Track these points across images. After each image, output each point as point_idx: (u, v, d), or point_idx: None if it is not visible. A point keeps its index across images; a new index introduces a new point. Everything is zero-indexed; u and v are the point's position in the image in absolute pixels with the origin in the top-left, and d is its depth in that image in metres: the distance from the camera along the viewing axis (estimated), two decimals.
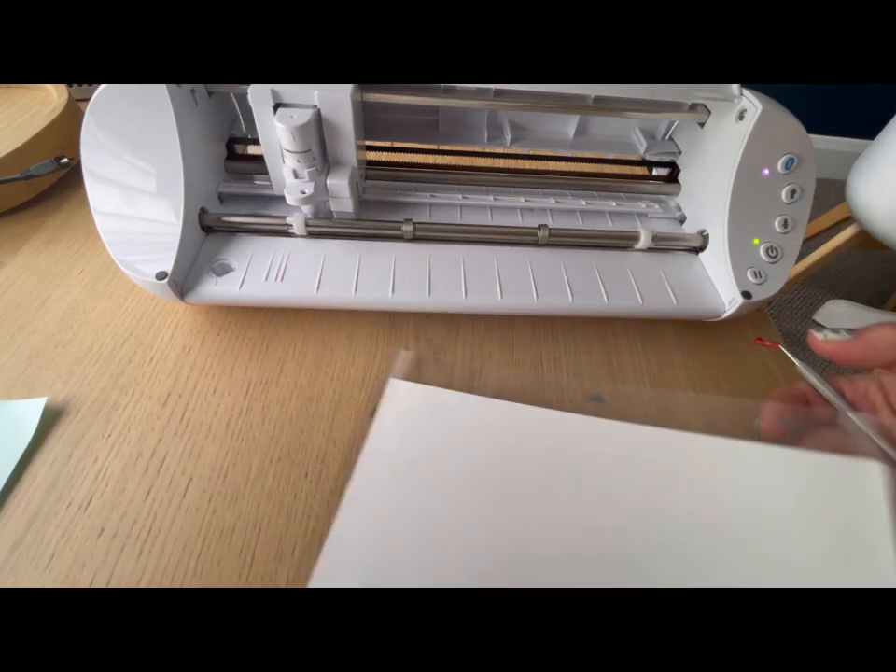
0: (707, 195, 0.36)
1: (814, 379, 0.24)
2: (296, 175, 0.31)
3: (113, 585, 0.23)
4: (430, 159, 0.40)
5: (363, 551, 0.14)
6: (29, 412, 0.28)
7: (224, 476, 0.26)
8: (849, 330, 0.23)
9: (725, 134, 0.34)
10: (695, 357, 0.35)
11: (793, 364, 0.26)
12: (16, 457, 0.26)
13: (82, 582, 0.22)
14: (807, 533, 0.14)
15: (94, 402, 0.29)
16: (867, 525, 0.14)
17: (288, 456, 0.27)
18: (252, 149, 0.40)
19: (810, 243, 1.07)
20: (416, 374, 0.20)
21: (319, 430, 0.29)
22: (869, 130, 1.04)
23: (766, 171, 0.32)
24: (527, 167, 0.41)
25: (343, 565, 0.14)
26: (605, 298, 0.33)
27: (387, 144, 0.40)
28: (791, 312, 1.23)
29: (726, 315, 0.33)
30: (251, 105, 0.30)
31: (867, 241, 0.95)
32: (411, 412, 0.17)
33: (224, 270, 0.32)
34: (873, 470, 0.16)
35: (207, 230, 0.33)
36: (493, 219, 0.37)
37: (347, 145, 0.32)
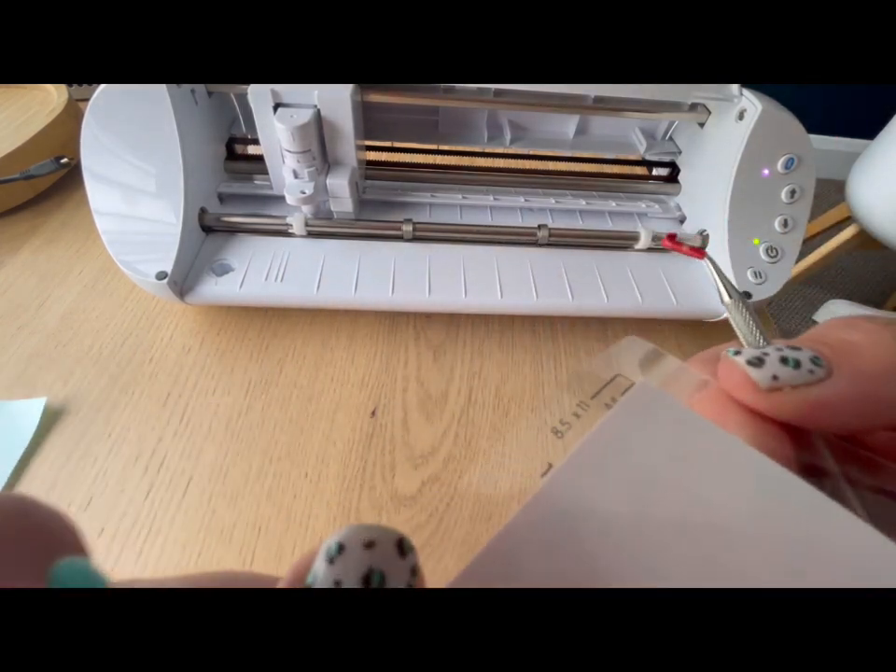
0: (706, 195, 0.36)
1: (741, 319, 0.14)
2: (296, 175, 0.31)
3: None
4: (430, 159, 0.40)
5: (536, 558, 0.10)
6: (29, 412, 0.28)
7: (224, 476, 0.26)
8: (791, 348, 0.11)
9: (725, 134, 0.34)
10: None
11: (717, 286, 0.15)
12: (16, 457, 0.26)
13: None
14: None
15: (94, 402, 0.29)
16: None
17: (288, 456, 0.27)
18: (252, 149, 0.40)
19: (810, 243, 1.07)
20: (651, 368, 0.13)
21: (319, 430, 0.29)
22: (869, 130, 1.04)
23: (766, 171, 0.32)
24: (527, 167, 0.41)
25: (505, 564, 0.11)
26: (605, 298, 0.33)
27: (387, 144, 0.40)
28: (790, 312, 1.23)
29: (726, 315, 0.33)
30: (251, 105, 0.30)
31: (867, 241, 0.95)
32: (663, 434, 0.11)
33: (224, 270, 0.32)
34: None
35: (207, 230, 0.33)
36: (493, 219, 0.37)
37: (347, 145, 0.32)
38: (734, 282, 0.32)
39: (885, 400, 0.10)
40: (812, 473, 0.11)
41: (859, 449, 0.12)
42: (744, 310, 0.14)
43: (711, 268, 0.15)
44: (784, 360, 0.10)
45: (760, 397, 0.10)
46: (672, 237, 0.19)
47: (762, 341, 0.13)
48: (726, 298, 0.14)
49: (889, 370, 0.10)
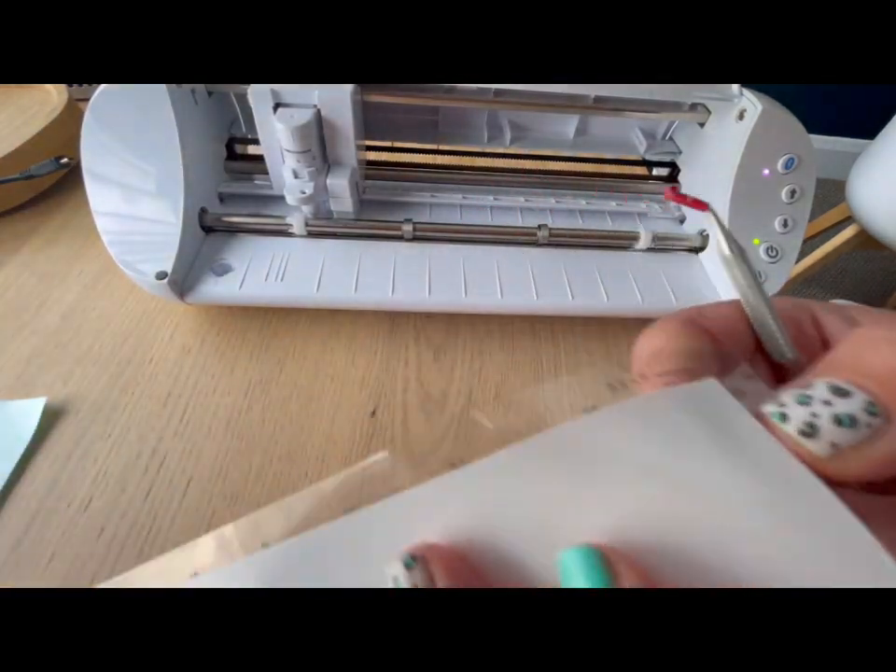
0: (707, 195, 0.36)
1: (752, 293, 0.13)
2: (296, 175, 0.31)
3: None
4: (430, 159, 0.40)
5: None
6: (29, 412, 0.28)
7: (224, 476, 0.26)
8: (837, 389, 0.10)
9: (725, 134, 0.34)
10: None
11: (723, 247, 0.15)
12: (16, 457, 0.26)
13: (82, 582, 0.22)
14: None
15: (94, 402, 0.29)
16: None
17: (288, 456, 0.27)
18: (252, 149, 0.40)
19: (810, 243, 1.07)
20: None
21: (319, 430, 0.29)
22: (869, 130, 1.04)
23: (766, 171, 0.32)
24: (527, 167, 0.41)
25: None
26: (605, 298, 0.33)
27: (387, 144, 0.40)
28: None
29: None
30: (251, 105, 0.30)
31: (867, 241, 0.95)
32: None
33: (224, 270, 0.32)
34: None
35: (207, 230, 0.33)
36: (493, 219, 0.37)
37: (347, 145, 0.32)
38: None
39: None
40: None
41: None
42: (744, 264, 0.14)
43: (714, 219, 0.15)
44: (838, 421, 0.10)
45: (820, 466, 0.10)
46: (674, 190, 0.19)
47: (759, 296, 0.13)
48: (726, 251, 0.14)
49: None
